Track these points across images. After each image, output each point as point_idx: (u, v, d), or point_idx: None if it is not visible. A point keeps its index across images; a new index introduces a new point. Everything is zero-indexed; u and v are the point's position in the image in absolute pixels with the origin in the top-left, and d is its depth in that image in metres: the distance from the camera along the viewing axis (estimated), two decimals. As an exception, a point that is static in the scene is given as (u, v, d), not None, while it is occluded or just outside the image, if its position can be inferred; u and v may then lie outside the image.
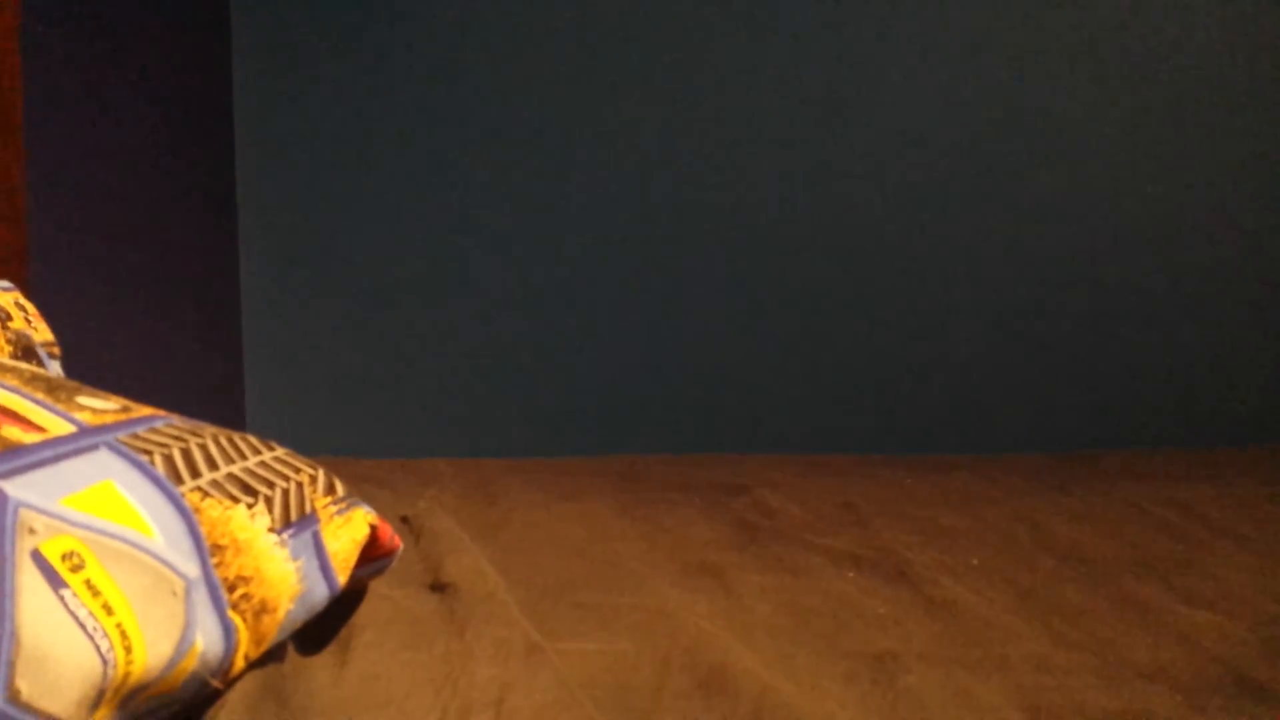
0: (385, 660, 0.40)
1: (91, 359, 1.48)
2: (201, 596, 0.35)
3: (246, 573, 0.38)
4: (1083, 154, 1.66)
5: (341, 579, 0.43)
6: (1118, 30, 1.63)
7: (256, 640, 0.38)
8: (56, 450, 0.35)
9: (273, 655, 0.40)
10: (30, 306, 0.71)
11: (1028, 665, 0.39)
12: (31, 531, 0.30)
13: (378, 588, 0.50)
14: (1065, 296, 1.70)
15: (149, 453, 0.38)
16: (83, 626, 0.30)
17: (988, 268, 1.71)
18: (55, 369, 0.67)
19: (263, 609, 0.38)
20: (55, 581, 0.30)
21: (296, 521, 0.42)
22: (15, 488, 0.31)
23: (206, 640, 0.35)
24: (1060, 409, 1.70)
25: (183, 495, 0.37)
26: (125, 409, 0.42)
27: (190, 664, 0.34)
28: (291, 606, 0.40)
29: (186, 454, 0.40)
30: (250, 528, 0.39)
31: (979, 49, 1.71)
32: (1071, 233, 1.68)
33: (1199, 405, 1.58)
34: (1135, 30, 1.63)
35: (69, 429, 0.37)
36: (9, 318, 0.65)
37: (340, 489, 0.46)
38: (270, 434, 0.50)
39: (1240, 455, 1.07)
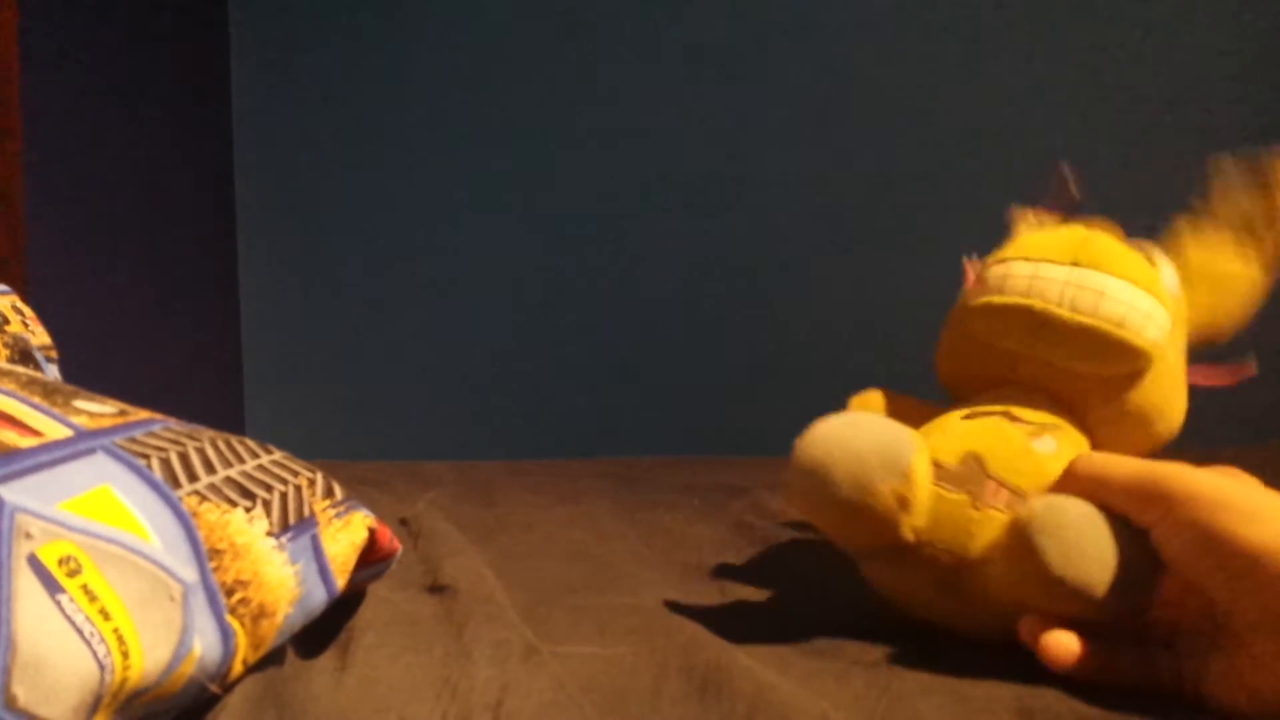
0: (385, 663, 0.40)
1: (89, 363, 1.48)
2: (199, 601, 0.35)
3: (245, 577, 0.37)
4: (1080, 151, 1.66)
5: (340, 582, 0.43)
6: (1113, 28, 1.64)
7: (255, 644, 0.38)
8: (53, 454, 0.35)
9: (272, 659, 0.40)
10: (28, 310, 0.71)
11: (1023, 668, 0.39)
12: (28, 536, 0.30)
13: (377, 590, 0.50)
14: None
15: (146, 457, 0.38)
16: (79, 632, 0.30)
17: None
18: (53, 373, 0.67)
19: (261, 613, 0.38)
20: (52, 586, 0.30)
21: (295, 525, 0.42)
22: (12, 492, 0.31)
23: (204, 645, 0.35)
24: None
25: (180, 499, 0.37)
26: (122, 413, 0.42)
27: (188, 669, 0.34)
28: (290, 610, 0.39)
29: (184, 458, 0.40)
30: (248, 532, 0.39)
31: (982, 51, 1.71)
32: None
33: (1198, 402, 1.58)
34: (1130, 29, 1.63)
35: (66, 433, 0.37)
36: (6, 321, 0.65)
37: (339, 492, 0.46)
38: (269, 437, 0.50)
39: (1241, 454, 1.06)
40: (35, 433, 0.36)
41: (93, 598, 0.31)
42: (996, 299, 0.47)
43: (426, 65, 2.05)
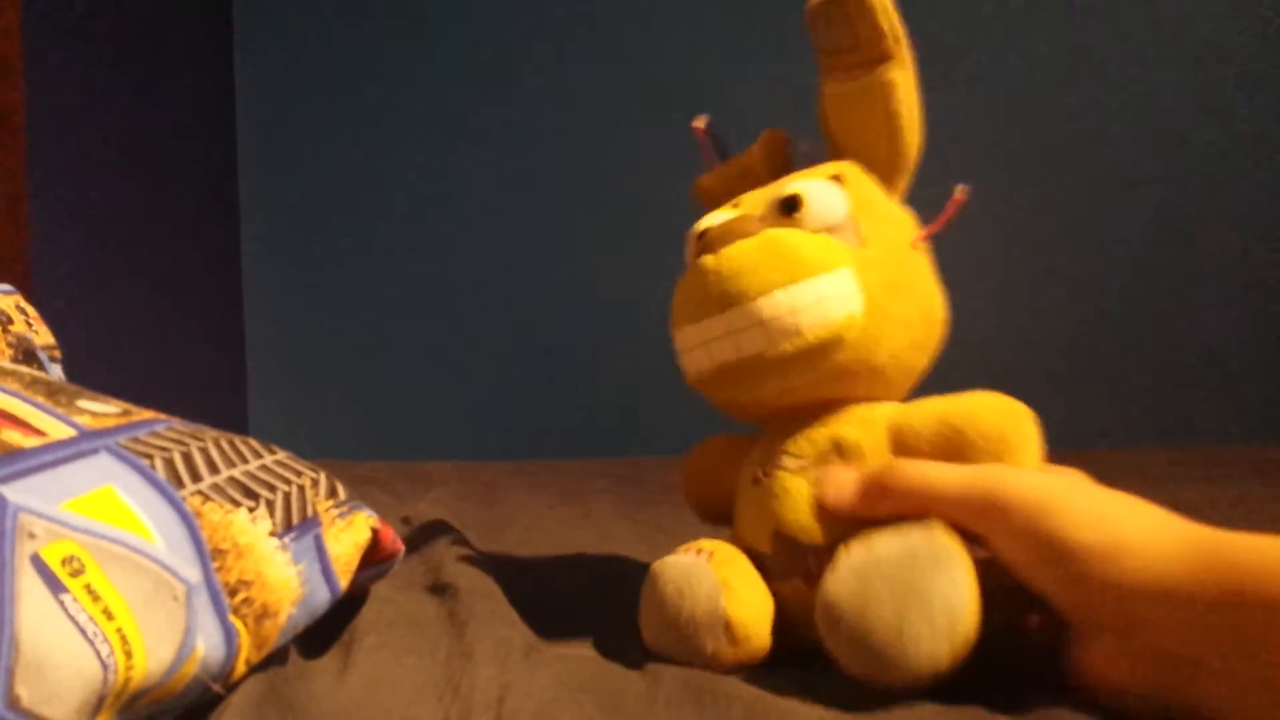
0: (387, 663, 0.40)
1: (93, 362, 1.49)
2: (203, 601, 0.35)
3: (248, 577, 0.38)
4: (1085, 150, 1.66)
5: (343, 583, 0.43)
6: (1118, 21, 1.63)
7: (258, 645, 0.38)
8: (57, 454, 0.35)
9: (275, 659, 0.40)
10: (31, 310, 0.71)
11: (1020, 672, 0.39)
12: (31, 536, 0.30)
13: (379, 591, 0.50)
14: (1064, 293, 1.70)
15: (150, 456, 0.38)
16: (83, 632, 0.30)
17: (985, 266, 1.72)
18: (56, 372, 0.67)
19: (264, 613, 0.38)
20: (55, 586, 0.30)
21: (298, 525, 0.42)
22: (15, 492, 0.31)
23: (208, 645, 0.35)
24: (1056, 406, 1.70)
25: (184, 499, 0.37)
26: (126, 412, 0.42)
27: (191, 669, 0.34)
28: (293, 611, 0.40)
29: (187, 458, 0.40)
30: (251, 532, 0.39)
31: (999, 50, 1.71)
32: (1070, 230, 1.68)
33: (1199, 402, 1.58)
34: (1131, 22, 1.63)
35: (69, 433, 0.37)
36: (10, 321, 0.65)
37: (342, 492, 0.46)
38: (272, 437, 0.50)
39: (1241, 454, 1.07)
40: (39, 432, 0.36)
41: (96, 598, 0.31)
42: (692, 374, 0.46)
43: (429, 66, 2.05)
